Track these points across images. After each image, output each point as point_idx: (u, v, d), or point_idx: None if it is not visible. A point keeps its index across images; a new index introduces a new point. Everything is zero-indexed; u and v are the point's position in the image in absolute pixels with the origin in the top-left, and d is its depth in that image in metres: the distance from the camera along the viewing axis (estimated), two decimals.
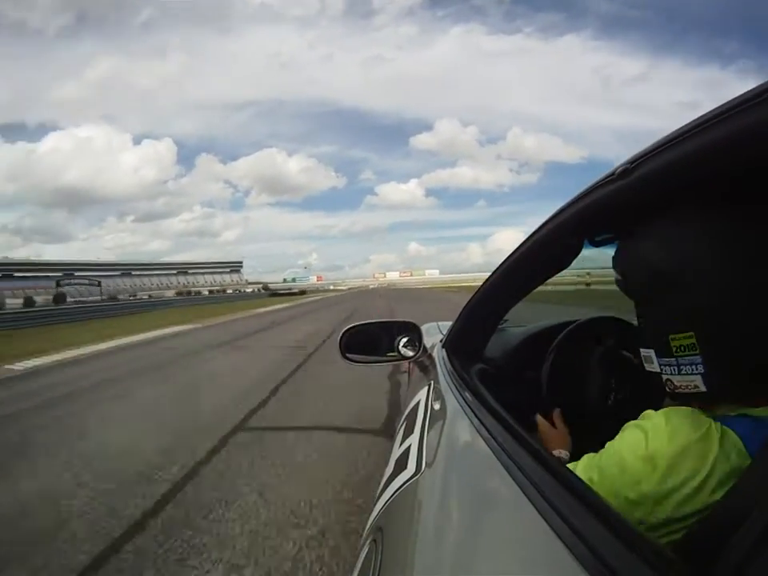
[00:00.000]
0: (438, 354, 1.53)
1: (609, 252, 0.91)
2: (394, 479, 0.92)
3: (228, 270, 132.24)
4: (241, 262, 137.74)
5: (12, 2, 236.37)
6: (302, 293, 78.71)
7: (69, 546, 2.36)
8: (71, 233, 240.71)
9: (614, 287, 0.76)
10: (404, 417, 1.37)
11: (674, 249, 0.61)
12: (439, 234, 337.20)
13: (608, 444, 0.64)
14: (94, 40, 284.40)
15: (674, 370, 0.62)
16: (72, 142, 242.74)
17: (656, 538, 0.55)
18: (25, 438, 4.28)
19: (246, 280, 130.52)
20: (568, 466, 0.68)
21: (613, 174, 0.64)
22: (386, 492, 0.91)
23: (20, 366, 8.74)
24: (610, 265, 0.75)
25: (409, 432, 1.14)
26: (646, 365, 0.67)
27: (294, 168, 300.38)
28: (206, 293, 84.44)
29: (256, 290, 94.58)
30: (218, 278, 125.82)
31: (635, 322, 1.22)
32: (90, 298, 59.28)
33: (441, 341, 1.63)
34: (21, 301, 53.24)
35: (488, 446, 0.74)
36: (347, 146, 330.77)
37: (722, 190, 0.58)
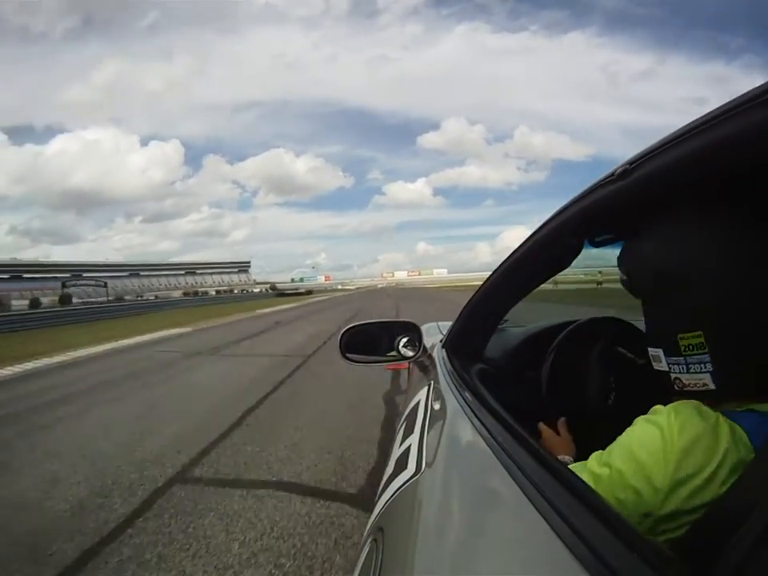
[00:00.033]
0: (438, 354, 1.53)
1: (608, 252, 0.91)
2: (394, 479, 0.92)
3: (236, 270, 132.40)
4: (249, 262, 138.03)
5: (19, 5, 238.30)
6: (309, 293, 78.79)
7: None
8: (80, 234, 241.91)
9: (608, 286, 0.76)
10: (404, 417, 1.37)
11: (679, 248, 0.61)
12: (447, 233, 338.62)
13: (617, 439, 0.64)
14: (100, 43, 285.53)
15: (683, 368, 0.62)
16: (80, 144, 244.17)
17: (665, 531, 0.56)
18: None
19: (254, 280, 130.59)
20: (576, 464, 0.68)
21: (612, 174, 0.64)
22: (386, 492, 0.91)
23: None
24: (608, 264, 0.75)
25: (409, 432, 1.14)
26: (654, 363, 0.68)
27: (302, 168, 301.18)
28: (213, 293, 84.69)
29: (263, 290, 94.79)
30: (225, 278, 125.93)
31: (635, 322, 1.23)
32: (96, 299, 59.40)
33: (441, 341, 1.63)
34: (27, 302, 53.42)
35: (488, 445, 0.74)
36: (354, 145, 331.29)
37: (723, 190, 0.59)
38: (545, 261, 0.99)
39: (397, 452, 1.11)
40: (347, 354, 1.65)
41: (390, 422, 4.22)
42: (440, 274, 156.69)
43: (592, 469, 0.64)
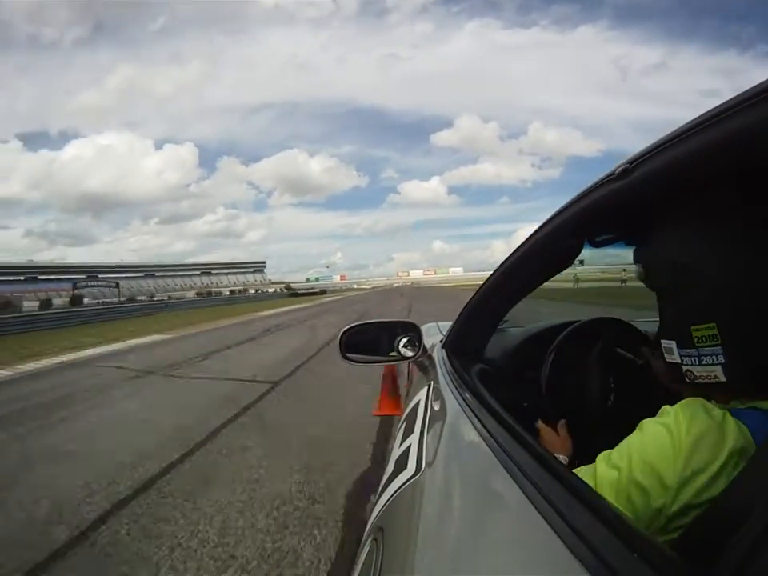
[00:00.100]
0: (438, 355, 1.53)
1: (608, 252, 0.90)
2: (394, 479, 0.92)
3: (251, 270, 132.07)
4: (264, 262, 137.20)
5: (31, 13, 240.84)
6: (323, 292, 78.86)
7: None
8: (96, 236, 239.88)
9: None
10: (404, 417, 1.37)
11: (695, 242, 0.63)
12: (462, 231, 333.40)
13: (626, 439, 0.64)
14: (112, 48, 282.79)
15: (695, 360, 0.63)
16: (95, 148, 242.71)
17: (676, 528, 0.56)
18: None
19: (270, 280, 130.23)
20: (583, 466, 0.68)
21: (613, 173, 0.64)
22: (386, 492, 0.91)
23: None
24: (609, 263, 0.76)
25: (409, 432, 1.15)
26: (666, 356, 0.68)
27: (316, 168, 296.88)
28: (227, 293, 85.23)
29: (278, 290, 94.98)
30: (241, 278, 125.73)
31: (635, 323, 1.22)
32: (110, 300, 59.70)
33: (441, 341, 1.64)
34: (37, 303, 53.99)
35: (488, 445, 0.74)
36: (368, 145, 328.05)
37: (730, 186, 0.59)
38: (545, 261, 0.99)
39: (397, 452, 1.11)
40: (347, 354, 1.65)
41: None
42: (456, 272, 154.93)
43: (600, 469, 0.64)
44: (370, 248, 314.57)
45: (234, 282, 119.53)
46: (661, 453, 0.58)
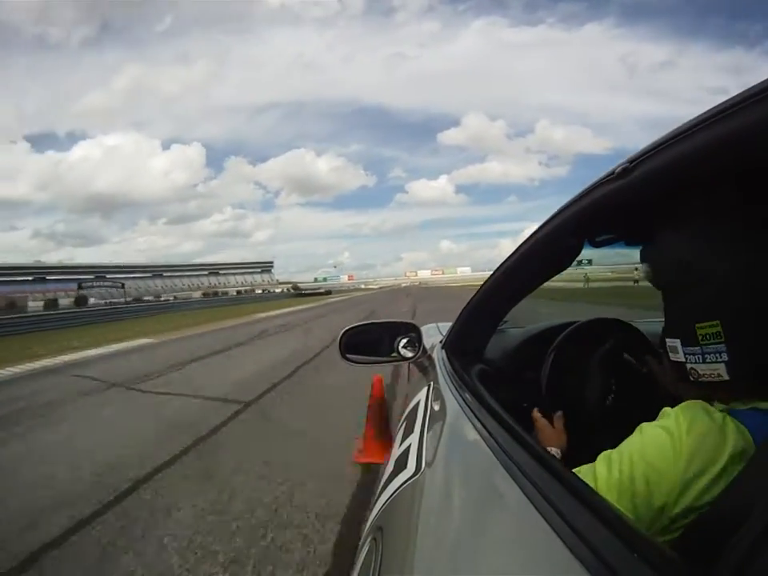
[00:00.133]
0: (438, 355, 1.53)
1: (607, 252, 0.90)
2: (393, 479, 0.92)
3: (259, 270, 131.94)
4: (271, 262, 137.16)
5: (38, 14, 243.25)
6: (327, 293, 79.33)
7: None
8: (104, 236, 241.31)
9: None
10: (404, 417, 1.37)
11: (698, 241, 0.63)
12: (470, 230, 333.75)
13: (626, 440, 0.64)
14: (119, 49, 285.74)
15: (699, 358, 0.63)
16: (103, 149, 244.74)
17: (678, 529, 0.56)
18: None
19: (277, 280, 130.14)
20: (584, 466, 0.68)
21: (612, 173, 0.64)
22: (385, 491, 0.91)
23: None
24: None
25: (409, 432, 1.14)
26: (670, 354, 0.68)
27: (323, 168, 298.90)
28: (234, 293, 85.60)
29: (285, 289, 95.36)
30: (248, 278, 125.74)
31: (636, 324, 1.21)
32: (117, 300, 60.00)
33: (441, 341, 1.63)
34: (41, 304, 54.32)
35: (488, 445, 0.74)
36: (375, 144, 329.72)
37: (731, 185, 0.59)
38: (545, 261, 0.99)
39: (396, 452, 1.10)
40: (347, 355, 1.66)
41: None
42: (464, 272, 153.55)
43: (600, 470, 0.64)
44: (378, 248, 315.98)
45: (242, 282, 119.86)
46: (662, 454, 0.58)
